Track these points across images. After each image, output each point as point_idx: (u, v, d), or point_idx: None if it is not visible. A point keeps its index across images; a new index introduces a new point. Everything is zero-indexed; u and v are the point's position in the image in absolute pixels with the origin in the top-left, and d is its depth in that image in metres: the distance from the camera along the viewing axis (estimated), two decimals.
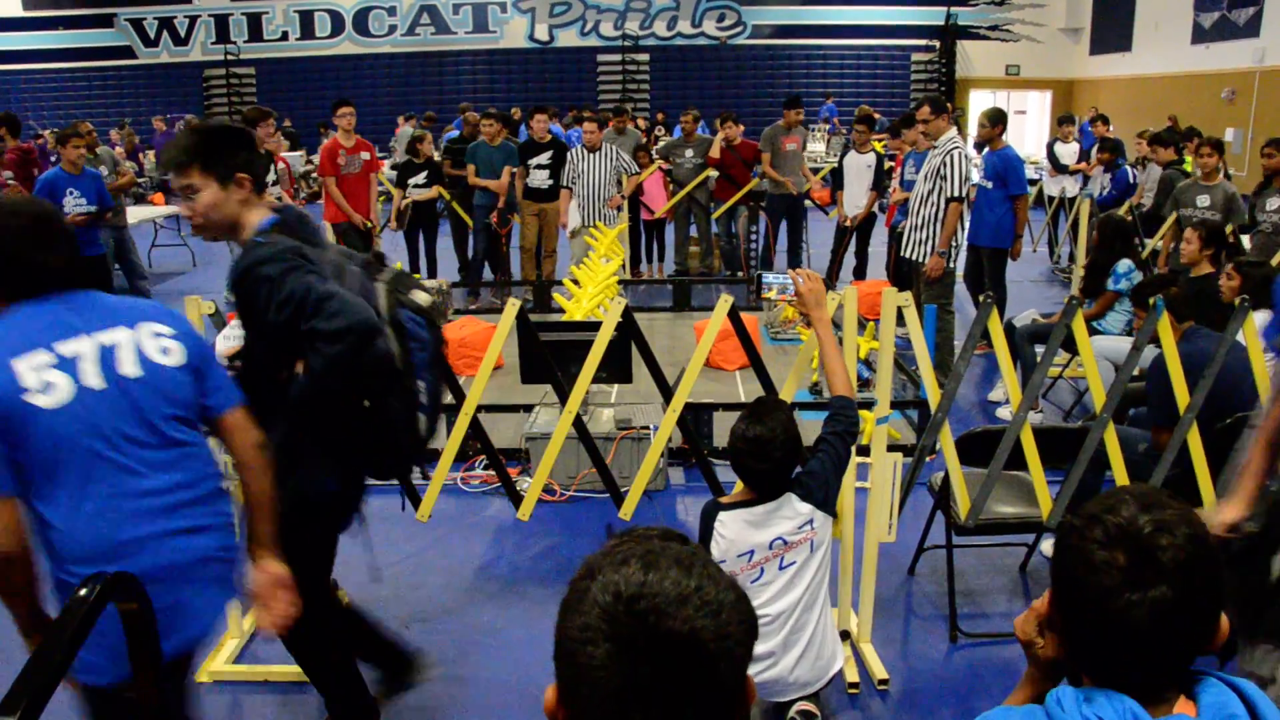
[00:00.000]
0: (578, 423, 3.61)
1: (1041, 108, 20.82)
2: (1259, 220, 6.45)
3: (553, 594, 0.95)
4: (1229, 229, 6.28)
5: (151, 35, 21.12)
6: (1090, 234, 6.73)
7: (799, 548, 2.62)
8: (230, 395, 2.10)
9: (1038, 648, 1.30)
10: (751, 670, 0.93)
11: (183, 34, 21.09)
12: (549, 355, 3.71)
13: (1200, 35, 15.22)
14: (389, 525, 4.25)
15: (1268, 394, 2.37)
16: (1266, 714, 1.11)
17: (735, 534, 2.60)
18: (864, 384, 5.28)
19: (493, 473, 4.34)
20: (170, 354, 1.97)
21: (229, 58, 20.92)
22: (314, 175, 8.50)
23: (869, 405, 3.26)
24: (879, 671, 3.15)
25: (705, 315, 5.45)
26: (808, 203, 9.30)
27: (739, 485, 2.76)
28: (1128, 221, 6.32)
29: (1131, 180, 9.36)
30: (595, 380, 3.88)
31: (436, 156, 9.54)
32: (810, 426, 2.88)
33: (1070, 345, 4.37)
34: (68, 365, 1.82)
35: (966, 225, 6.45)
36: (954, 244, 6.01)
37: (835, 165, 9.25)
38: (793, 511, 2.61)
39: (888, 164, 8.86)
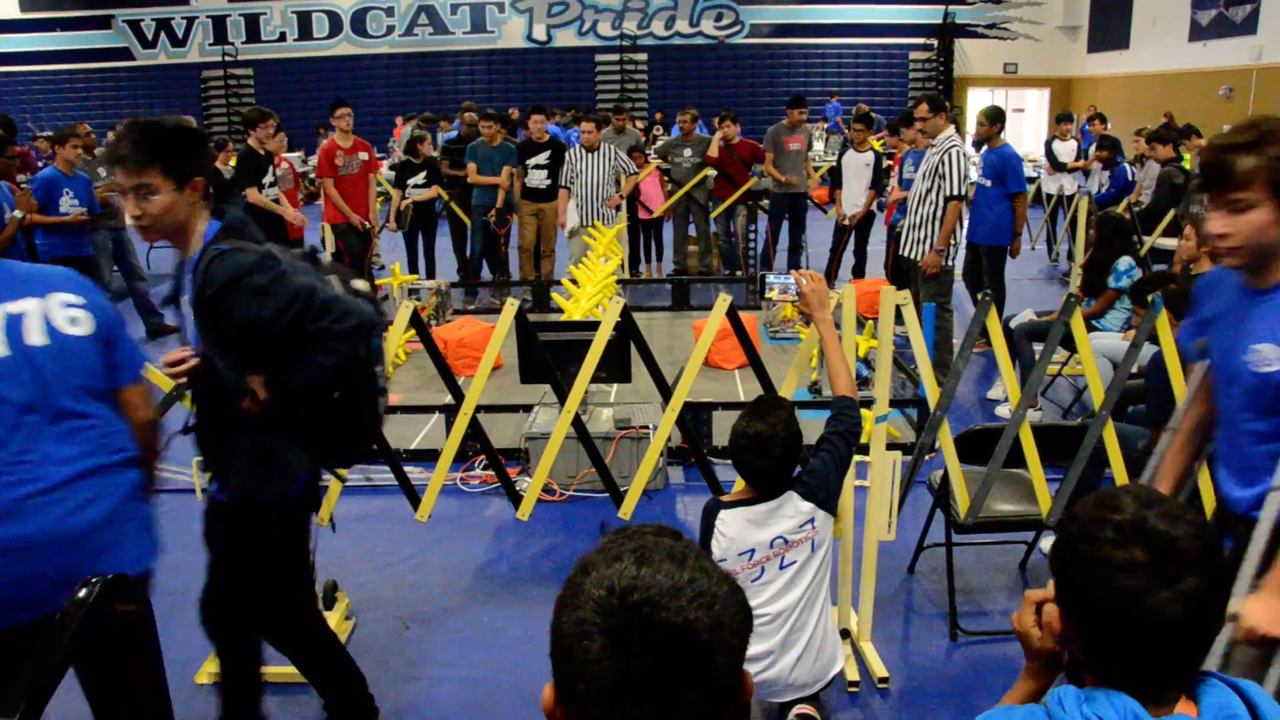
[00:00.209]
0: (577, 422, 3.61)
1: (1039, 106, 20.83)
2: None
3: (552, 593, 0.94)
4: None
5: (149, 36, 21.11)
6: (1088, 232, 6.74)
7: (800, 547, 2.62)
8: (134, 371, 2.12)
9: (1035, 639, 1.30)
10: (750, 669, 0.93)
11: (180, 35, 21.08)
12: (548, 355, 3.71)
13: (1198, 33, 15.23)
14: (389, 525, 4.26)
15: (1184, 396, 2.36)
16: (1268, 714, 1.11)
17: (736, 532, 2.60)
18: (863, 382, 5.28)
19: (492, 473, 4.34)
20: (79, 324, 1.98)
21: (227, 59, 20.91)
22: (312, 176, 8.48)
23: (868, 403, 3.26)
24: (879, 670, 3.15)
25: (704, 314, 5.45)
26: (807, 201, 9.30)
27: (739, 484, 2.76)
28: (1126, 219, 6.32)
29: (1130, 178, 9.37)
30: (594, 380, 3.88)
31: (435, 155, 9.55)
32: (809, 426, 2.88)
33: (1069, 343, 4.37)
34: None
35: (965, 223, 6.45)
36: (953, 242, 6.01)
37: (834, 164, 9.26)
38: (794, 510, 2.61)
39: (886, 163, 8.86)
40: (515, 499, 3.67)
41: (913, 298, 3.20)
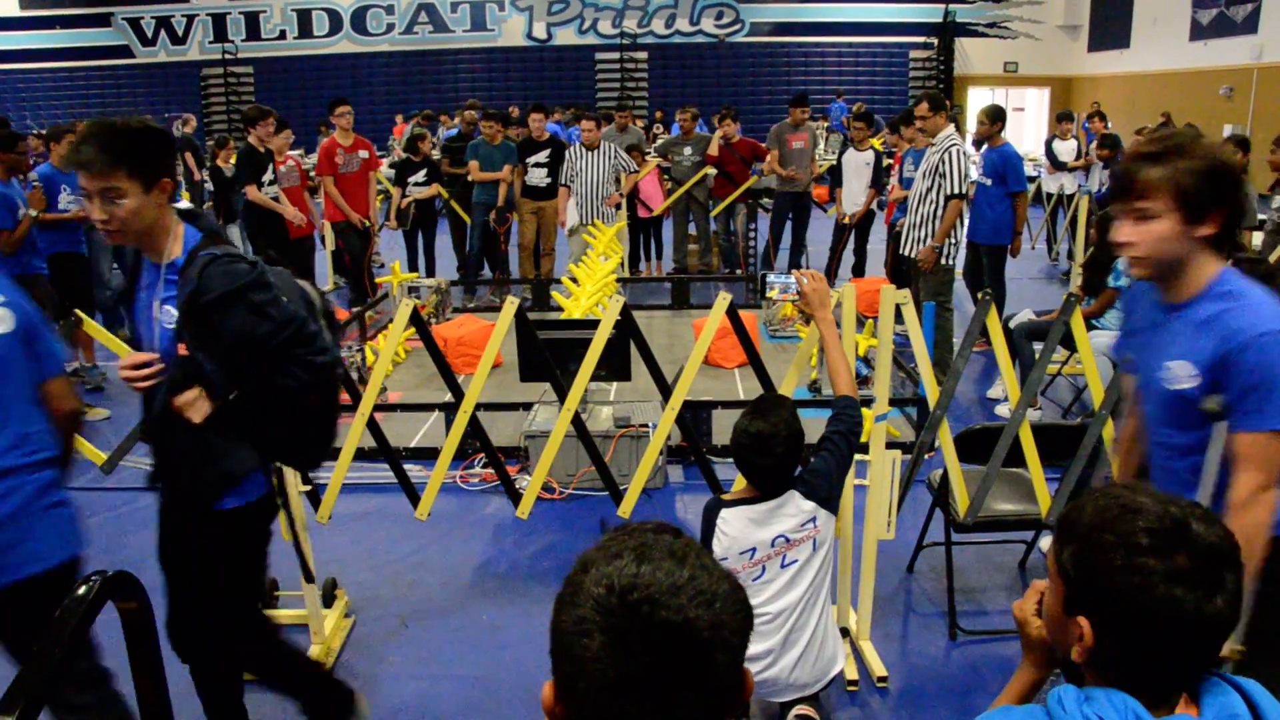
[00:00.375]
0: (576, 421, 3.61)
1: (1040, 105, 20.83)
2: (1261, 220, 6.46)
3: (552, 592, 0.94)
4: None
5: (149, 34, 21.09)
6: (1089, 231, 6.73)
7: (801, 546, 2.62)
8: (56, 363, 2.14)
9: (1033, 628, 1.30)
10: (750, 668, 0.93)
11: (180, 33, 21.06)
12: (548, 353, 3.71)
13: (1198, 32, 15.23)
14: (389, 523, 4.26)
15: (1126, 402, 2.38)
16: (1269, 714, 1.10)
17: (738, 531, 2.60)
18: (863, 381, 5.28)
19: (492, 471, 4.33)
20: (0, 322, 2.00)
21: (227, 57, 20.90)
22: (312, 174, 8.46)
23: (868, 402, 3.26)
24: (878, 669, 3.15)
25: (704, 313, 5.45)
26: (811, 201, 9.30)
27: (740, 482, 2.75)
28: None
29: None
30: (594, 378, 3.89)
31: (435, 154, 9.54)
32: (809, 425, 2.88)
33: (1069, 342, 4.37)
34: None
35: (966, 222, 6.45)
36: (953, 241, 6.01)
37: (834, 162, 9.25)
38: (796, 509, 2.61)
39: (886, 161, 8.86)
40: (515, 497, 3.67)
41: (913, 297, 3.20)
